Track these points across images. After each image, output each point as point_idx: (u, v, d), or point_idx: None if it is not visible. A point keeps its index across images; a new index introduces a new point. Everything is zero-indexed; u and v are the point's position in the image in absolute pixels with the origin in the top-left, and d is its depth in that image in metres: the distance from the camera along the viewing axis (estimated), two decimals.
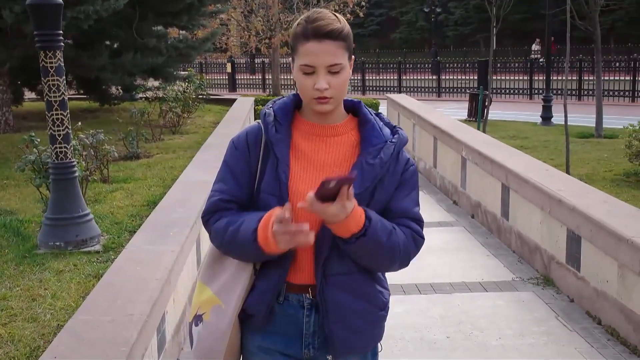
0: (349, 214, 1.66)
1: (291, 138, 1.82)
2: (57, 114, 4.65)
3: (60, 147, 4.66)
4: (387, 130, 1.84)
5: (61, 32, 4.69)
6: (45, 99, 4.72)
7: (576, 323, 4.43)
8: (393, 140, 1.81)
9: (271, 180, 1.78)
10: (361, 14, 21.59)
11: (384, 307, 1.89)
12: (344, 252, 1.77)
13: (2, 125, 10.53)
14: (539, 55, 29.43)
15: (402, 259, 1.80)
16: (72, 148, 4.78)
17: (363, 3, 20.63)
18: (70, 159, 4.73)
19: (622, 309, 4.11)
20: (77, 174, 4.79)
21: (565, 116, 9.66)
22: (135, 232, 4.73)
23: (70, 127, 4.78)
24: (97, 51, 10.75)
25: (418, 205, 1.86)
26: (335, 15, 1.76)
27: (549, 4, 16.17)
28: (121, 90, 14.33)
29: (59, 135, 4.67)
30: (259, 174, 1.82)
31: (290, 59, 1.82)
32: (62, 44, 4.73)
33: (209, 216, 1.85)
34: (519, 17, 35.69)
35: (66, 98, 4.73)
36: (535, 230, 5.54)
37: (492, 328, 4.39)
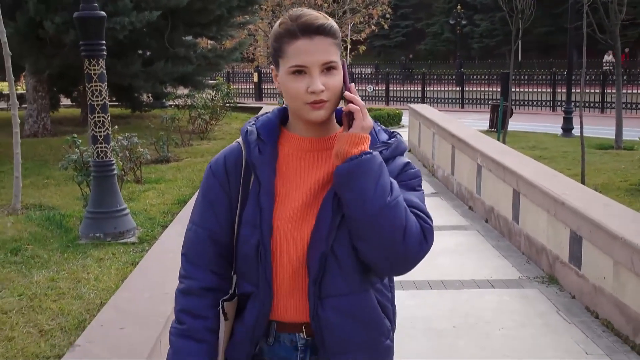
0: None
1: (277, 158, 1.63)
2: (98, 117, 5.11)
3: (101, 147, 5.12)
4: (384, 136, 1.67)
5: (104, 42, 5.16)
6: (88, 103, 5.19)
7: (575, 317, 4.73)
8: (389, 141, 1.64)
9: (253, 210, 1.59)
10: (386, 26, 21.99)
11: (388, 335, 1.66)
12: (341, 266, 1.58)
13: (40, 129, 11.11)
14: (611, 67, 29.53)
15: (408, 228, 1.54)
16: (111, 148, 5.23)
17: (388, 15, 21.03)
18: (110, 158, 5.19)
19: (616, 303, 4.41)
20: (115, 172, 5.25)
21: (582, 127, 9.93)
22: (167, 226, 5.15)
23: (110, 129, 5.24)
24: (130, 60, 11.29)
25: (423, 204, 1.64)
26: (320, 13, 1.60)
27: (571, 17, 16.40)
28: (152, 98, 14.89)
29: (100, 136, 5.13)
30: (240, 203, 1.63)
31: (272, 65, 1.63)
32: (105, 52, 5.19)
33: (185, 251, 1.68)
34: (544, 30, 35.85)
35: (107, 102, 5.20)
36: (542, 232, 5.84)
37: (496, 320, 4.71)
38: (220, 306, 1.62)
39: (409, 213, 1.55)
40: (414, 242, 1.55)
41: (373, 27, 20.87)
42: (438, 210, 8.17)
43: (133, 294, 3.55)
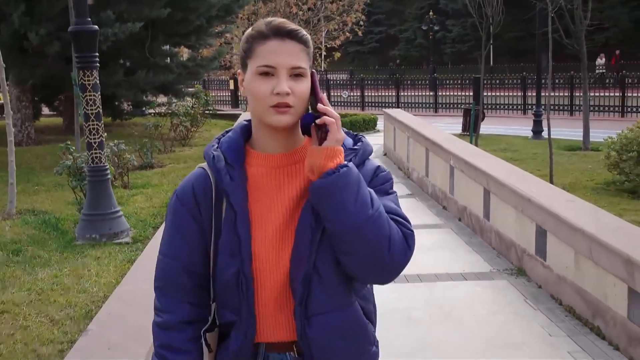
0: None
1: (247, 180, 1.57)
2: (93, 124, 5.41)
3: (96, 153, 5.42)
4: (349, 141, 1.63)
5: (97, 54, 5.46)
6: (83, 112, 5.48)
7: (541, 304, 5.12)
8: (355, 147, 1.60)
9: (229, 239, 1.54)
10: (360, 33, 22.44)
11: (374, 342, 1.68)
12: (326, 284, 1.55)
13: (25, 138, 11.32)
14: (604, 70, 30.25)
15: (393, 237, 1.52)
16: (105, 154, 5.54)
17: (361, 22, 21.49)
18: (104, 163, 5.49)
19: (577, 289, 4.81)
20: (109, 176, 5.55)
21: (549, 130, 10.43)
22: (158, 227, 5.46)
23: (104, 136, 5.54)
24: (112, 69, 11.54)
25: (399, 207, 1.62)
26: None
27: (539, 23, 16.97)
28: (131, 106, 15.14)
29: (95, 142, 5.43)
30: (214, 231, 1.58)
31: (240, 69, 1.60)
32: (98, 64, 5.50)
33: (159, 284, 1.62)
34: (515, 35, 36.67)
35: (100, 111, 5.50)
36: (510, 228, 6.25)
37: (468, 308, 5.09)
38: (203, 338, 1.59)
39: (391, 222, 1.52)
40: (399, 251, 1.53)
41: (347, 34, 21.29)
42: (414, 211, 8.55)
43: (134, 286, 3.86)
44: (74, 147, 6.09)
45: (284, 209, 1.56)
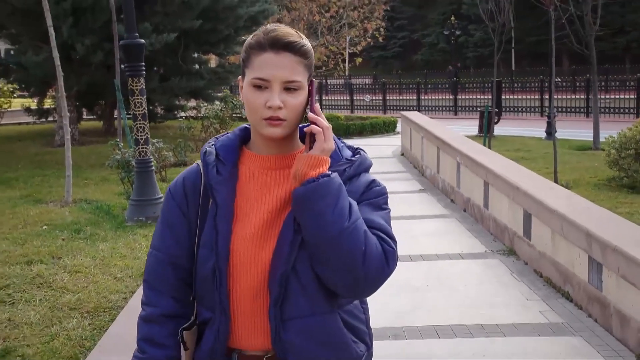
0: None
1: (238, 178, 1.60)
2: (140, 124, 6.36)
3: (142, 148, 6.37)
4: (347, 152, 1.65)
5: (143, 63, 6.41)
6: (132, 113, 6.44)
7: (524, 277, 5.91)
8: (352, 158, 1.61)
9: (209, 231, 1.56)
10: (381, 39, 23.29)
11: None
12: (304, 287, 1.54)
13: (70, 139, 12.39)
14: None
15: (368, 253, 1.50)
16: (150, 149, 6.50)
17: (382, 29, 22.34)
18: (149, 156, 6.45)
19: (553, 262, 5.62)
20: (153, 168, 6.50)
21: (554, 130, 11.17)
22: None
23: (149, 134, 6.50)
24: (148, 76, 12.53)
25: (388, 224, 1.61)
26: (296, 32, 1.59)
27: (551, 30, 17.62)
28: (163, 110, 16.21)
29: (141, 139, 6.38)
30: (199, 225, 1.60)
31: (240, 75, 1.61)
32: (144, 72, 6.45)
33: (146, 277, 1.66)
34: (536, 39, 37.18)
35: (146, 112, 6.45)
36: (504, 214, 7.04)
37: (461, 279, 5.89)
38: (180, 335, 1.60)
39: (369, 236, 1.51)
40: (375, 266, 1.51)
41: (369, 39, 22.18)
42: (423, 203, 9.38)
43: None
44: (122, 144, 7.07)
45: (269, 209, 1.56)
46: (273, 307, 1.52)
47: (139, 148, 6.35)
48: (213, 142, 1.65)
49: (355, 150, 1.66)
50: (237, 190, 1.59)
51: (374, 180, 1.64)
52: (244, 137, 1.65)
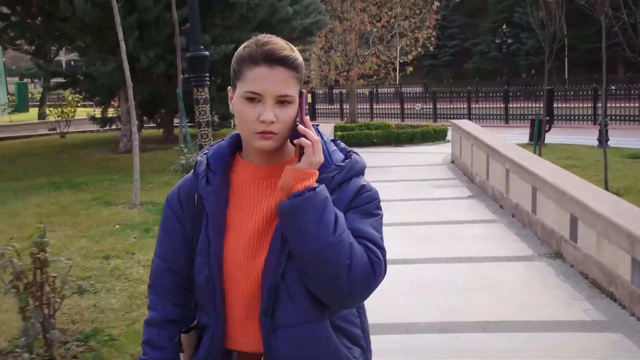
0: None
1: (230, 186, 1.61)
2: (204, 130, 6.83)
3: None
4: (339, 156, 1.63)
5: (208, 74, 6.89)
6: (196, 120, 6.91)
7: (569, 278, 6.10)
8: (341, 164, 1.60)
9: (202, 241, 1.58)
10: (431, 48, 23.48)
11: None
12: (293, 297, 1.55)
13: (133, 146, 13.06)
14: None
15: (354, 266, 1.50)
16: None
17: (432, 38, 22.54)
18: None
19: (598, 264, 5.81)
20: None
21: (604, 137, 11.30)
22: None
23: (212, 139, 6.95)
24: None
25: (378, 232, 1.60)
26: (287, 42, 1.58)
27: (605, 37, 17.53)
28: (219, 119, 16.84)
29: (205, 144, 6.84)
30: (195, 234, 1.62)
31: (230, 86, 1.61)
32: (208, 82, 6.93)
33: (150, 282, 1.73)
34: (588, 47, 36.70)
35: (210, 119, 6.92)
36: (551, 218, 7.24)
37: (506, 281, 6.09)
38: (177, 338, 1.65)
39: (354, 248, 1.51)
40: (360, 278, 1.52)
41: (419, 49, 22.44)
42: (472, 209, 9.60)
43: None
44: (187, 150, 7.56)
45: (261, 219, 1.57)
46: (263, 316, 1.54)
47: None
48: (206, 151, 1.66)
49: (348, 154, 1.65)
50: (229, 200, 1.60)
51: (364, 186, 1.61)
52: (237, 144, 1.65)
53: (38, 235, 3.62)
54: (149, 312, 1.70)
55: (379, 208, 1.63)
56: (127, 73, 7.68)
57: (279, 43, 1.54)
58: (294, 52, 1.55)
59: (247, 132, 1.54)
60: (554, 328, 4.85)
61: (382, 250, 1.57)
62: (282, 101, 1.52)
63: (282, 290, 1.54)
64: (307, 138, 1.51)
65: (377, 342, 4.77)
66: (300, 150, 1.52)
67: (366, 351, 1.69)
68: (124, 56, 7.54)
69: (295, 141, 1.52)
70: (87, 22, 11.21)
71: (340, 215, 1.52)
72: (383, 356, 4.26)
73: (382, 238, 1.59)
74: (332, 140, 1.68)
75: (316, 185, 1.49)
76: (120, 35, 7.50)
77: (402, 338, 4.76)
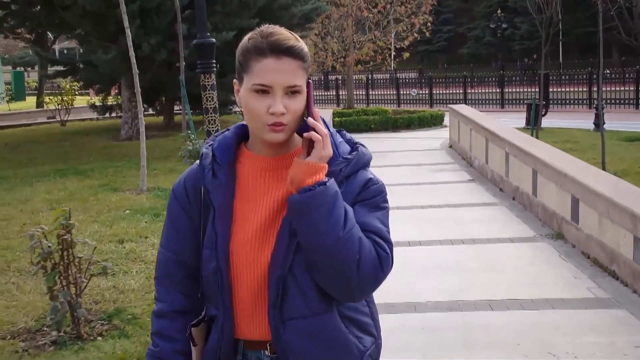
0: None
1: (236, 178, 1.60)
2: (211, 116, 6.93)
3: None
4: (345, 148, 1.62)
5: (214, 61, 6.97)
6: (203, 106, 7.01)
7: (572, 258, 6.25)
8: (349, 156, 1.59)
9: (209, 234, 1.58)
10: (428, 34, 23.55)
11: (360, 357, 1.64)
12: (302, 289, 1.56)
13: (134, 133, 13.18)
14: None
15: (363, 261, 1.52)
16: None
17: (429, 24, 22.61)
18: None
19: (600, 243, 5.96)
20: None
21: (602, 121, 11.36)
22: None
23: (219, 125, 7.06)
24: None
25: (385, 225, 1.61)
26: (290, 32, 1.57)
27: (600, 21, 17.65)
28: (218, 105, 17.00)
29: (213, 130, 6.95)
30: (202, 227, 1.62)
31: (236, 78, 1.59)
32: (215, 69, 7.01)
33: (156, 274, 1.72)
34: (585, 31, 36.82)
35: (217, 105, 7.01)
36: (553, 200, 7.39)
37: (511, 261, 6.25)
38: (188, 332, 1.64)
39: (364, 243, 1.52)
40: (369, 272, 1.53)
41: (416, 34, 22.51)
42: (473, 192, 9.74)
43: None
44: (194, 135, 7.66)
45: (268, 211, 1.57)
46: (272, 309, 1.55)
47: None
48: (211, 142, 1.64)
49: (354, 145, 1.64)
50: (235, 192, 1.60)
51: (371, 179, 1.61)
52: (243, 134, 1.63)
53: (64, 217, 3.73)
54: (157, 304, 1.68)
55: (386, 201, 1.64)
56: (133, 60, 7.77)
57: (284, 33, 1.52)
58: (299, 42, 1.54)
59: (257, 125, 1.52)
60: (560, 305, 5.00)
61: (390, 243, 1.59)
62: (291, 92, 1.51)
63: (290, 283, 1.55)
64: (316, 131, 1.49)
65: (387, 320, 4.92)
66: (309, 143, 1.50)
67: (377, 339, 1.70)
68: (130, 43, 7.62)
69: (304, 135, 1.51)
70: (88, 9, 11.26)
71: (350, 209, 1.53)
72: (394, 334, 4.42)
73: (389, 231, 1.60)
74: (337, 131, 1.67)
75: (326, 179, 1.49)
76: (126, 23, 7.58)
77: (411, 316, 4.90)
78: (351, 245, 1.49)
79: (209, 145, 1.62)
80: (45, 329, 4.02)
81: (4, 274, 5.21)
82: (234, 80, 1.60)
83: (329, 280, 1.53)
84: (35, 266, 3.71)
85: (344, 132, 1.69)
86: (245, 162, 1.61)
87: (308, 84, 1.54)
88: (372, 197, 1.59)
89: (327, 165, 1.51)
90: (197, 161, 1.63)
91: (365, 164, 1.61)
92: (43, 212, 7.27)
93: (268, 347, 1.59)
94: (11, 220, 7.06)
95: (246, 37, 1.55)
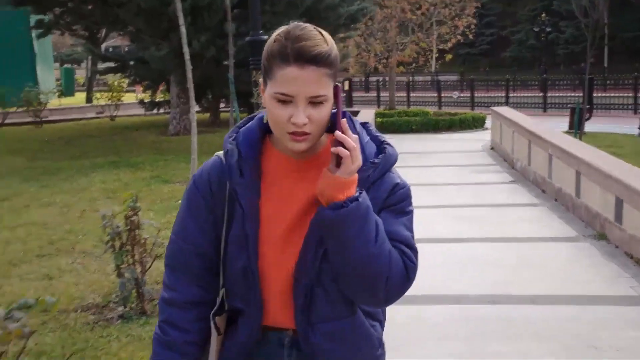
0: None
1: (262, 175, 1.56)
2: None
3: None
4: (372, 148, 1.58)
5: None
6: (254, 102, 7.25)
7: (615, 258, 6.28)
8: (376, 161, 1.54)
9: (238, 233, 1.55)
10: (471, 36, 23.52)
11: (380, 344, 1.69)
12: (329, 295, 1.56)
13: (182, 129, 13.60)
14: None
15: (392, 275, 1.51)
16: None
17: (472, 26, 22.59)
18: None
19: None
20: None
21: None
22: None
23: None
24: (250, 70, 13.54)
25: (410, 231, 1.59)
26: (320, 32, 1.47)
27: None
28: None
29: None
30: (225, 223, 1.58)
31: (262, 79, 1.53)
32: None
33: (169, 262, 1.64)
34: (630, 35, 36.20)
35: None
36: (596, 201, 7.44)
37: (552, 260, 6.30)
38: (212, 321, 1.61)
39: (393, 257, 1.50)
40: (396, 284, 1.52)
41: (459, 37, 22.53)
42: (515, 193, 9.80)
43: None
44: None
45: (294, 212, 1.54)
46: (300, 314, 1.55)
47: None
48: (234, 136, 1.57)
49: (380, 144, 1.58)
50: (261, 190, 1.55)
51: (397, 184, 1.57)
52: (267, 126, 1.54)
53: (131, 200, 4.00)
54: (167, 292, 1.62)
55: (411, 204, 1.61)
56: (187, 56, 8.04)
57: (311, 38, 1.43)
58: (327, 46, 1.44)
59: (279, 132, 1.47)
60: (601, 302, 5.08)
61: (415, 251, 1.57)
62: (315, 102, 1.43)
63: (317, 290, 1.54)
64: (344, 146, 1.42)
65: (430, 312, 5.04)
66: (337, 157, 1.43)
67: (382, 322, 1.72)
68: (184, 40, 7.90)
69: (332, 149, 1.43)
70: (142, 7, 11.66)
71: (380, 222, 1.50)
72: (439, 324, 4.59)
73: (413, 237, 1.58)
74: (362, 124, 1.61)
75: (357, 192, 1.45)
76: (181, 20, 7.85)
77: (454, 308, 5.04)
78: (382, 260, 1.49)
79: (233, 140, 1.56)
80: (112, 304, 4.30)
81: (70, 255, 5.54)
82: (260, 79, 1.55)
83: (357, 293, 1.54)
84: (105, 244, 3.98)
85: (369, 125, 1.64)
86: (270, 159, 1.56)
87: (336, 88, 1.48)
88: (399, 202, 1.57)
89: (357, 177, 1.45)
90: (221, 153, 1.58)
91: (391, 165, 1.58)
92: (100, 200, 7.63)
93: (290, 329, 1.60)
94: (71, 207, 7.43)
95: (272, 37, 1.48)
